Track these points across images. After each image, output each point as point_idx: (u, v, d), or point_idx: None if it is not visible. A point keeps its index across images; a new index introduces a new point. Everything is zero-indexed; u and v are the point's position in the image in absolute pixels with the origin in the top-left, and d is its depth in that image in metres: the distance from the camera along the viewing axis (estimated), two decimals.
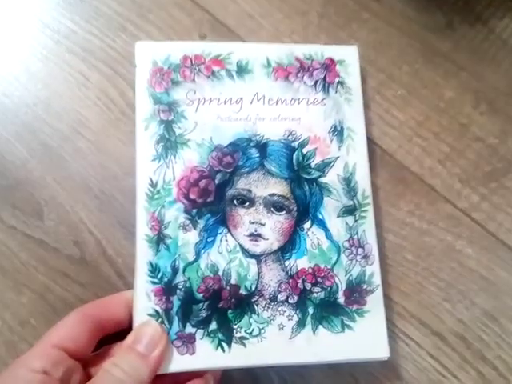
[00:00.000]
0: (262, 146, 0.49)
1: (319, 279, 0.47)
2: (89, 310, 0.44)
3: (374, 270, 0.48)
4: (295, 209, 0.48)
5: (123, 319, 0.45)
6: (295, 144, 0.49)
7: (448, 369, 0.49)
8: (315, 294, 0.46)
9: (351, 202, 0.49)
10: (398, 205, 0.53)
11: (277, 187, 0.48)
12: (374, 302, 0.47)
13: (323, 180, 0.49)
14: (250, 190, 0.47)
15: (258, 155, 0.48)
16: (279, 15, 0.57)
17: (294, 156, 0.49)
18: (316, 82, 0.51)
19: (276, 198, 0.48)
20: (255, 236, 0.47)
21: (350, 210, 0.49)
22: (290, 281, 0.46)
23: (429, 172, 0.53)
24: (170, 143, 0.48)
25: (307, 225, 0.48)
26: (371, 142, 0.52)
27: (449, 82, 0.55)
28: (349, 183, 0.49)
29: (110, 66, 0.55)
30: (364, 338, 0.46)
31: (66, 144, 0.53)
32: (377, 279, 0.48)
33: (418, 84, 0.55)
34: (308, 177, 0.48)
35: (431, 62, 0.56)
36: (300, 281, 0.46)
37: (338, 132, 0.50)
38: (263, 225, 0.47)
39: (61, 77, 0.54)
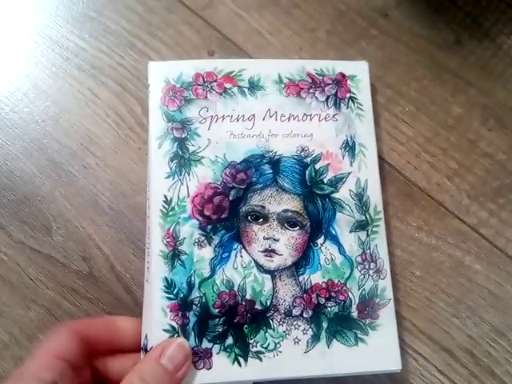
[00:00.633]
0: (275, 163, 0.49)
1: (333, 294, 0.47)
2: (76, 326, 0.44)
3: (385, 284, 0.48)
4: (308, 224, 0.48)
5: (109, 343, 0.45)
6: (308, 160, 0.49)
7: None
8: (329, 309, 0.47)
9: (363, 217, 0.49)
10: (406, 220, 0.53)
11: (290, 203, 0.48)
12: (387, 316, 0.47)
13: (336, 195, 0.49)
14: (263, 206, 0.48)
15: (271, 171, 0.48)
16: (287, 32, 0.57)
17: (307, 172, 0.49)
18: (328, 97, 0.51)
19: (289, 213, 0.48)
20: (269, 252, 0.47)
21: (362, 225, 0.49)
22: (305, 296, 0.46)
23: (437, 188, 0.53)
24: (183, 160, 0.48)
25: (320, 240, 0.48)
26: (379, 158, 0.51)
27: (457, 98, 0.56)
28: (361, 198, 0.49)
29: (118, 82, 0.55)
30: (377, 351, 0.46)
31: (75, 160, 0.53)
32: (389, 293, 0.48)
33: (426, 100, 0.56)
34: (321, 192, 0.49)
35: (439, 78, 0.56)
36: (314, 295, 0.47)
37: (349, 148, 0.50)
38: (277, 240, 0.47)
39: (70, 93, 0.54)
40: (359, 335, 0.46)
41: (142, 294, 0.47)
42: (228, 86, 0.50)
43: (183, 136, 0.48)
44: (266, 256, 0.47)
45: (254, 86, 0.50)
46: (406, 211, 0.53)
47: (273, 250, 0.47)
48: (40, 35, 0.56)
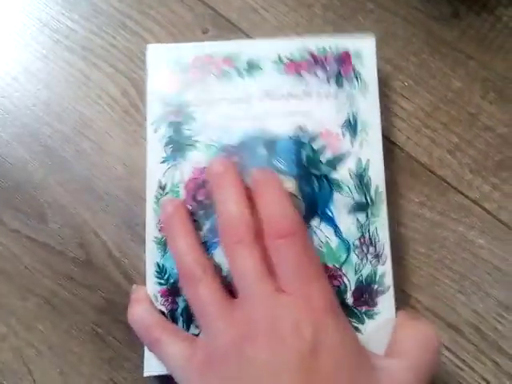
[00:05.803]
0: (271, 144, 0.47)
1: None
2: None
3: (385, 269, 0.46)
4: (303, 206, 0.46)
5: None
6: (305, 140, 0.48)
7: (464, 361, 0.49)
8: None
9: (363, 199, 0.47)
10: (409, 197, 0.52)
11: (285, 185, 0.46)
12: (385, 304, 0.45)
13: (334, 176, 0.47)
14: None
15: (266, 154, 0.47)
16: (283, 8, 0.56)
17: (304, 152, 0.47)
18: (330, 74, 0.49)
19: None
20: None
21: (361, 207, 0.46)
22: None
23: (439, 163, 0.53)
24: (178, 145, 0.47)
25: (315, 222, 0.46)
26: None
27: (456, 71, 0.55)
28: (361, 179, 0.47)
29: (110, 64, 0.54)
30: (374, 341, 0.43)
31: (68, 145, 0.52)
32: (388, 280, 0.45)
33: (425, 74, 0.55)
34: (318, 173, 0.47)
35: (438, 51, 0.55)
36: None
37: (351, 126, 0.48)
38: None
39: (61, 76, 0.53)
40: (355, 324, 0.44)
41: (141, 279, 0.47)
42: (226, 68, 0.49)
43: (179, 120, 0.47)
44: None
45: (252, 67, 0.49)
46: (407, 187, 0.52)
47: None
48: (29, 17, 0.55)
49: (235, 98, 0.48)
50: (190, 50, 0.49)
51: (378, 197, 0.47)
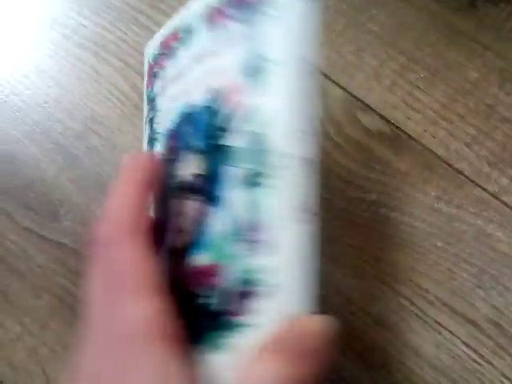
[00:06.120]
0: (191, 119, 0.37)
1: (200, 280, 0.33)
2: None
3: (275, 264, 0.30)
4: (208, 188, 0.34)
5: None
6: (209, 104, 0.35)
7: (483, 356, 0.48)
8: (198, 299, 0.33)
9: (260, 169, 0.31)
10: (426, 190, 0.51)
11: (194, 165, 0.35)
12: (269, 310, 0.29)
13: (226, 142, 0.33)
14: (175, 175, 0.37)
15: (189, 131, 0.37)
16: None
17: (209, 120, 0.35)
18: (244, 8, 0.34)
19: (191, 178, 0.35)
20: (179, 231, 0.36)
21: (256, 180, 0.31)
22: None
23: (456, 155, 0.52)
24: (151, 142, 0.41)
25: (211, 207, 0.33)
26: (395, 127, 0.50)
27: (473, 62, 0.54)
28: (259, 141, 0.31)
29: (121, 59, 0.53)
30: (233, 366, 0.30)
31: (79, 142, 0.52)
32: (276, 278, 0.29)
33: (441, 66, 0.54)
34: (216, 142, 0.34)
35: (454, 42, 0.54)
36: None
37: (256, 71, 0.32)
38: (182, 215, 0.36)
39: (71, 73, 0.53)
40: (226, 338, 0.30)
41: None
42: (173, 44, 0.40)
43: (152, 115, 0.42)
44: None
45: (188, 33, 0.39)
46: (424, 181, 0.51)
47: (180, 230, 0.36)
48: (38, 13, 0.54)
49: (176, 74, 0.40)
50: (159, 38, 0.43)
51: (281, 163, 0.31)
